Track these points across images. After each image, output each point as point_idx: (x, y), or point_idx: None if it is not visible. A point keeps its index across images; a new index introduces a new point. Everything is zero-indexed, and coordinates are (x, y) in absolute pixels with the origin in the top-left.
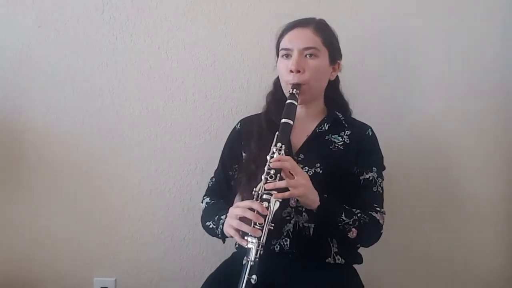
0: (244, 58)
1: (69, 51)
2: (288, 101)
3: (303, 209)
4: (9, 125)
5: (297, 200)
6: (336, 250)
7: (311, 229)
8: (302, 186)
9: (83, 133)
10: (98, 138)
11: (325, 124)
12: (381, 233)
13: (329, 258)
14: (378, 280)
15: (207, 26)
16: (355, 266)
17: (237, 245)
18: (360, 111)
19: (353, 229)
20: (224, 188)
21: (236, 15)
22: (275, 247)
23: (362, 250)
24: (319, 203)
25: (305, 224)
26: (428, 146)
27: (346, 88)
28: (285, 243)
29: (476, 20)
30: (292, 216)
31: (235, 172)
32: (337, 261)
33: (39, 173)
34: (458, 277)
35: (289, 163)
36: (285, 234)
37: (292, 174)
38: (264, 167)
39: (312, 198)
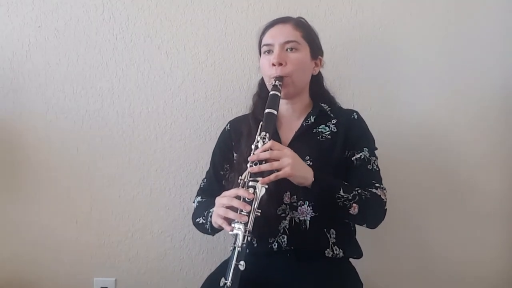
0: (244, 58)
1: (69, 51)
2: (271, 92)
3: (298, 204)
4: (9, 125)
5: (291, 196)
6: (334, 240)
7: (308, 223)
8: (287, 166)
9: (83, 133)
10: (98, 138)
11: (311, 116)
12: (386, 209)
13: (328, 250)
14: (377, 277)
15: (207, 26)
16: (354, 261)
17: None
18: (359, 110)
19: (354, 204)
20: (216, 188)
21: (236, 15)
22: (272, 245)
23: (361, 246)
24: (313, 179)
25: (301, 218)
26: (429, 144)
27: (348, 87)
28: (282, 240)
29: (475, 18)
30: (287, 212)
31: (226, 172)
32: (335, 252)
33: (39, 173)
34: (458, 274)
35: (272, 147)
36: (281, 231)
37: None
38: (249, 156)
39: (303, 175)
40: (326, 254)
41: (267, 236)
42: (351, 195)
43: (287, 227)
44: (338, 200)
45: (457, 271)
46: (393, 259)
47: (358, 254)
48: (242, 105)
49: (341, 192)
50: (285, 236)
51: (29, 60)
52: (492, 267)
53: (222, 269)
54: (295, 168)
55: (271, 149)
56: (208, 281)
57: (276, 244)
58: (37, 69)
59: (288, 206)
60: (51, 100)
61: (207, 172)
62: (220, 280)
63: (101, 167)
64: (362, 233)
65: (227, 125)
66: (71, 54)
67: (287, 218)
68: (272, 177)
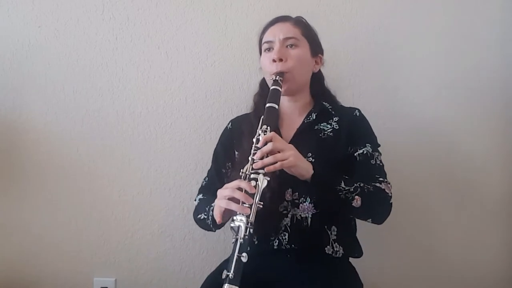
0: (244, 58)
1: (69, 51)
2: (272, 87)
3: (300, 202)
4: (9, 125)
5: (293, 193)
6: (335, 237)
7: (309, 220)
8: (291, 156)
9: (83, 133)
10: (98, 138)
11: (313, 114)
12: (391, 204)
13: (328, 247)
14: (377, 277)
15: (207, 26)
16: (354, 261)
17: None
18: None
19: (356, 196)
20: (218, 186)
21: (236, 15)
22: (273, 242)
23: (361, 245)
24: (313, 171)
25: (302, 216)
26: (429, 144)
27: (349, 87)
28: (284, 238)
29: (476, 19)
30: (289, 209)
31: (228, 170)
32: (335, 249)
33: (39, 173)
34: (459, 274)
35: (273, 139)
36: (283, 228)
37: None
38: (251, 150)
39: (304, 167)
40: (326, 251)
41: (268, 234)
42: (353, 187)
43: (289, 224)
44: (340, 193)
45: (458, 271)
46: (393, 259)
47: (359, 253)
48: (242, 105)
49: (342, 185)
50: (286, 234)
51: (29, 60)
52: (492, 267)
53: (222, 269)
54: (298, 158)
55: (272, 141)
56: (208, 281)
57: (277, 241)
58: (37, 69)
59: (289, 203)
60: (51, 100)
61: (208, 170)
62: (220, 279)
63: (101, 167)
64: (362, 233)
65: (228, 123)
66: (71, 54)
67: (289, 215)
68: (277, 165)
